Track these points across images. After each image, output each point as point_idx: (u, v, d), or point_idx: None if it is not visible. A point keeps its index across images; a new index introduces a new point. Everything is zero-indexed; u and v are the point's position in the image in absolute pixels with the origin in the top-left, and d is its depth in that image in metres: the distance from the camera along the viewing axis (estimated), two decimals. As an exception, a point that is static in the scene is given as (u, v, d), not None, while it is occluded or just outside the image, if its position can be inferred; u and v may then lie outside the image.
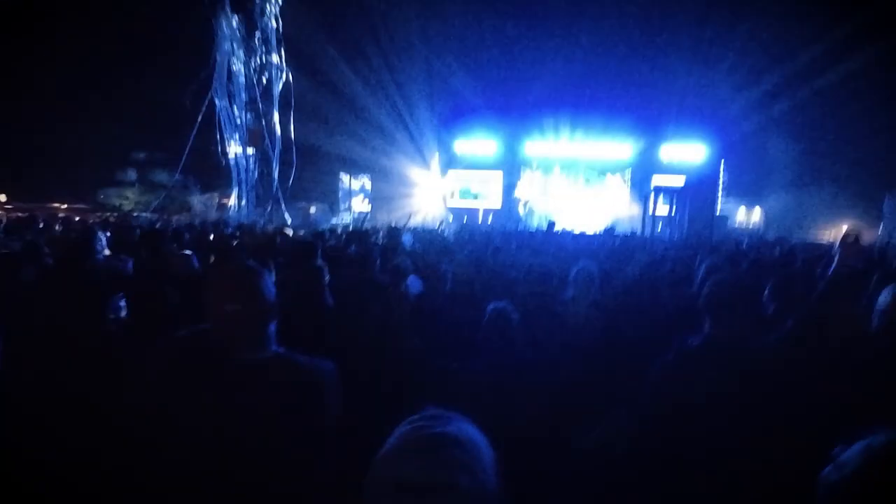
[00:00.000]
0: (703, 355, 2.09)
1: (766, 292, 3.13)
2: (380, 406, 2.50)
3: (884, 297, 2.23)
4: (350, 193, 27.14)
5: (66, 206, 23.09)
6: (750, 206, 26.64)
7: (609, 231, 11.67)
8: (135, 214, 21.75)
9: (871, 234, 22.22)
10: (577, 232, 17.62)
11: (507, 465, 0.91)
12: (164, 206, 23.36)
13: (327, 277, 3.44)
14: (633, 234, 17.12)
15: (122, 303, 2.90)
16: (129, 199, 26.60)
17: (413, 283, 3.24)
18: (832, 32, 21.33)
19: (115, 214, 19.25)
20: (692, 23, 23.16)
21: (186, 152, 20.04)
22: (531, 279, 3.39)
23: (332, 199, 26.56)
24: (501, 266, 4.83)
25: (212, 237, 7.84)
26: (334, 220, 22.10)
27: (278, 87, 19.49)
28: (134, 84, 23.55)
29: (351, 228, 12.28)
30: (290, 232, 9.81)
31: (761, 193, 26.72)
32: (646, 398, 2.15)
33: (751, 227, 25.69)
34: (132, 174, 26.59)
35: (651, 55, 24.32)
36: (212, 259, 4.61)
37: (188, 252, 4.03)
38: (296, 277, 3.65)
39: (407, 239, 7.71)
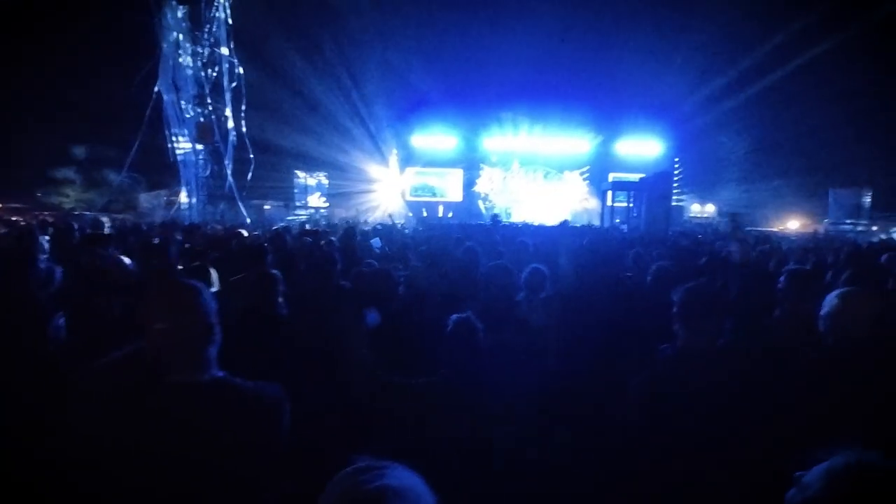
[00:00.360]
0: (679, 366, 2.08)
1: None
2: (334, 424, 2.38)
3: (829, 302, 2.23)
4: (306, 190, 26.66)
5: (0, 205, 21.72)
6: (703, 200, 27.51)
7: (564, 225, 11.86)
8: (76, 213, 20.73)
9: (819, 226, 23.35)
10: (536, 224, 18.00)
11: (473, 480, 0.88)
12: (108, 205, 22.34)
13: (281, 286, 3.20)
14: (591, 226, 17.48)
15: (62, 321, 2.65)
16: (69, 198, 25.30)
17: (371, 317, 3.06)
18: (779, 33, 22.16)
19: (55, 213, 18.29)
20: (647, 21, 23.63)
21: (133, 148, 19.22)
22: (491, 283, 3.26)
23: (287, 196, 25.98)
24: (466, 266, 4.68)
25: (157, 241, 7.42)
26: (289, 218, 21.61)
27: (229, 81, 18.83)
28: (74, 75, 22.36)
29: (308, 227, 11.99)
30: (245, 233, 9.44)
31: (714, 188, 27.62)
32: (630, 412, 2.09)
33: (706, 217, 26.56)
34: (72, 171, 25.26)
35: (607, 53, 24.67)
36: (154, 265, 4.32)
37: (125, 259, 3.73)
38: (246, 284, 3.43)
39: (375, 242, 7.51)
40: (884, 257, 4.45)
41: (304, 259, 4.84)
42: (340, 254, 4.57)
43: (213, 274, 3.52)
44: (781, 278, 2.81)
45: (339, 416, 2.45)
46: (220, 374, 1.60)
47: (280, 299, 3.16)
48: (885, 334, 2.21)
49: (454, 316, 2.49)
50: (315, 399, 2.51)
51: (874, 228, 22.67)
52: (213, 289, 3.49)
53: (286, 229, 10.11)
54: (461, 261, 5.14)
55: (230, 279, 3.86)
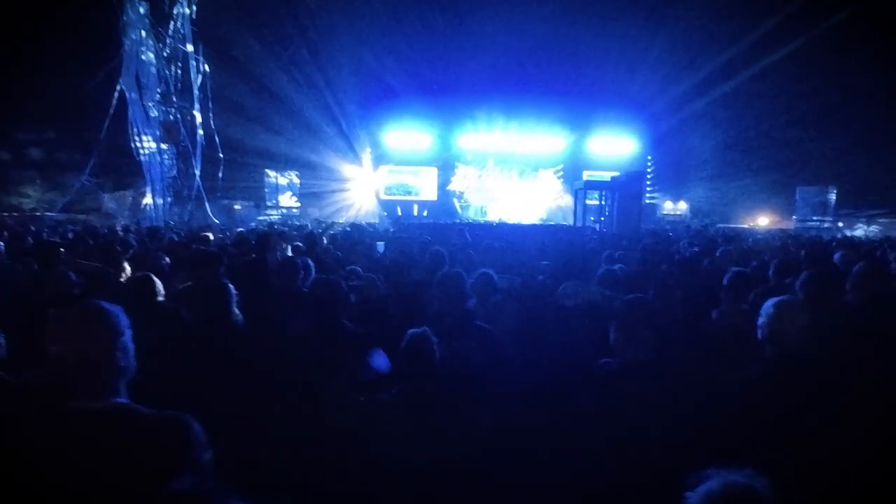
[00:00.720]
0: (622, 380, 2.07)
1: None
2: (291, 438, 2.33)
3: (765, 310, 2.25)
4: (277, 189, 26.33)
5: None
6: (676, 198, 27.94)
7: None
8: (37, 214, 20.13)
9: (787, 223, 23.92)
10: (511, 223, 18.16)
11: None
12: (70, 206, 21.73)
13: (234, 293, 3.09)
14: (563, 225, 17.65)
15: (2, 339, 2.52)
16: (30, 198, 24.56)
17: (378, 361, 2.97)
18: (747, 34, 22.61)
19: (12, 216, 17.73)
20: (619, 21, 23.83)
21: (96, 148, 18.71)
22: (444, 291, 3.21)
23: (258, 196, 25.60)
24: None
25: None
26: (260, 218, 21.30)
27: (196, 79, 18.45)
28: (34, 74, 21.65)
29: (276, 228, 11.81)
30: (210, 236, 9.23)
31: (686, 186, 28.07)
32: (579, 428, 2.08)
33: (679, 214, 26.98)
34: (32, 171, 24.52)
35: (581, 52, 24.83)
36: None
37: (69, 272, 3.61)
38: (195, 293, 3.33)
39: (380, 246, 7.44)
40: (836, 256, 4.52)
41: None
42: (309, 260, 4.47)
43: (158, 283, 3.39)
44: (724, 279, 2.83)
45: (296, 430, 2.41)
46: (123, 400, 1.58)
47: (235, 310, 3.07)
48: (828, 344, 2.23)
49: (410, 330, 2.47)
50: (271, 413, 2.47)
51: (840, 225, 23.26)
52: (159, 298, 3.39)
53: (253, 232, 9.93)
54: (427, 267, 5.10)
55: (178, 287, 3.74)
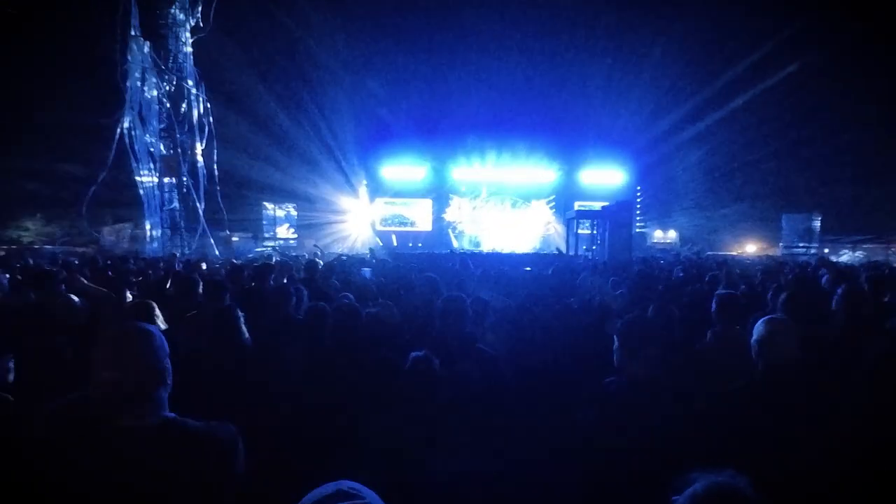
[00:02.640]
0: (630, 397, 2.13)
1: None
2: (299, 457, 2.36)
3: (757, 328, 2.32)
4: (275, 221, 26.40)
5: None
6: (665, 227, 28.22)
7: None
8: (35, 247, 20.08)
9: (774, 250, 24.14)
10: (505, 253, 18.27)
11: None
12: (70, 239, 21.72)
13: (241, 315, 3.16)
14: (559, 252, 17.77)
15: (11, 364, 2.55)
16: (29, 231, 24.53)
17: None
18: (731, 67, 23.31)
19: (10, 248, 17.70)
20: (607, 57, 24.56)
21: (96, 181, 18.80)
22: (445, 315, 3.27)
23: (255, 227, 25.67)
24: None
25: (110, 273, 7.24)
26: (258, 249, 21.32)
27: (195, 114, 18.72)
28: (36, 108, 21.87)
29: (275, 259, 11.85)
30: (204, 265, 9.27)
31: (674, 215, 28.40)
32: (581, 444, 2.12)
33: (668, 242, 27.21)
34: (32, 205, 24.56)
35: (570, 87, 25.55)
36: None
37: (73, 297, 3.65)
38: (202, 320, 3.38)
39: (366, 272, 7.52)
40: (823, 279, 4.63)
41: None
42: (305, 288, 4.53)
43: (157, 310, 3.46)
44: (713, 303, 2.91)
45: (304, 448, 2.44)
46: (171, 415, 1.61)
47: (244, 331, 3.13)
48: (815, 358, 2.31)
49: (413, 354, 2.52)
50: (280, 432, 2.50)
51: (826, 251, 23.52)
52: (160, 324, 3.43)
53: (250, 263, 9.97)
54: (422, 292, 5.15)
55: (186, 315, 3.80)
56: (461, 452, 2.18)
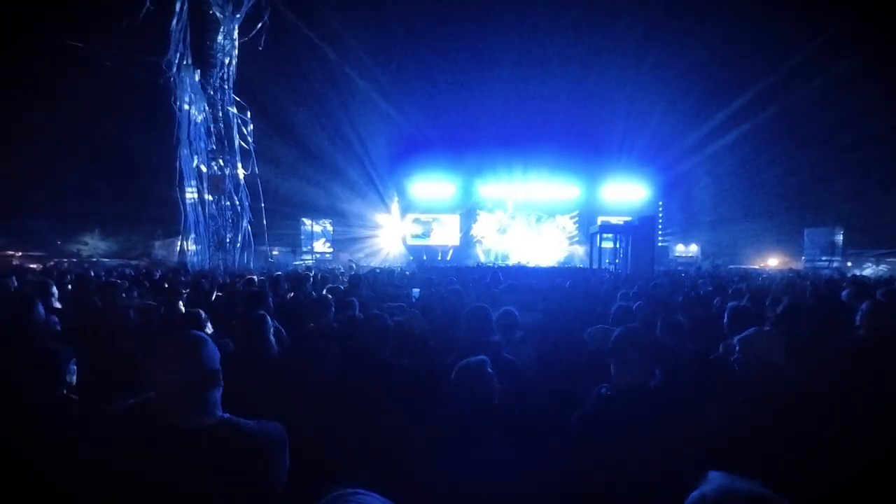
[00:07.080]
0: (613, 404, 2.11)
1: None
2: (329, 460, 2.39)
3: (745, 337, 2.30)
4: (312, 236, 26.88)
5: (20, 253, 21.68)
6: (687, 241, 27.71)
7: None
8: (94, 260, 20.82)
9: (796, 264, 23.44)
10: (531, 265, 18.20)
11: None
12: (124, 252, 22.45)
13: (272, 326, 3.24)
14: (583, 268, 17.61)
15: (74, 366, 2.65)
16: (87, 245, 25.44)
17: None
18: (754, 82, 22.89)
19: (73, 261, 18.39)
20: (632, 75, 24.36)
21: (149, 199, 19.45)
22: (470, 325, 3.29)
23: (294, 242, 26.17)
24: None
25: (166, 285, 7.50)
26: (296, 263, 21.68)
27: (240, 136, 19.24)
28: (94, 134, 22.80)
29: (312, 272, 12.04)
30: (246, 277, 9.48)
31: (696, 229, 27.87)
32: (572, 448, 2.11)
33: (690, 256, 26.68)
34: (91, 221, 25.50)
35: (595, 105, 25.42)
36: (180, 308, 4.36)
37: (128, 309, 3.80)
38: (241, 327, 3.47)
39: (415, 293, 7.41)
40: (844, 294, 4.50)
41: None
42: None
43: (206, 318, 3.57)
44: (725, 314, 2.87)
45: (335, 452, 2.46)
46: (225, 415, 1.66)
47: (272, 339, 3.19)
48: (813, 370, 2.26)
49: (462, 362, 2.48)
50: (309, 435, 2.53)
51: (848, 264, 22.72)
52: (208, 331, 3.54)
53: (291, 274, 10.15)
54: (449, 302, 5.20)
55: (231, 322, 3.91)
56: (490, 460, 2.15)
